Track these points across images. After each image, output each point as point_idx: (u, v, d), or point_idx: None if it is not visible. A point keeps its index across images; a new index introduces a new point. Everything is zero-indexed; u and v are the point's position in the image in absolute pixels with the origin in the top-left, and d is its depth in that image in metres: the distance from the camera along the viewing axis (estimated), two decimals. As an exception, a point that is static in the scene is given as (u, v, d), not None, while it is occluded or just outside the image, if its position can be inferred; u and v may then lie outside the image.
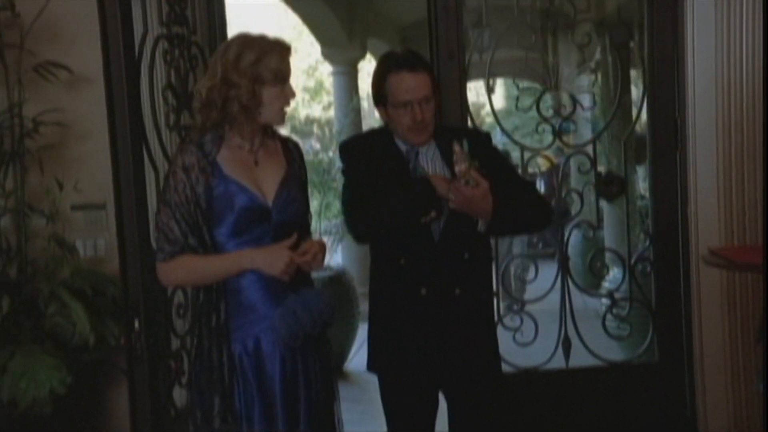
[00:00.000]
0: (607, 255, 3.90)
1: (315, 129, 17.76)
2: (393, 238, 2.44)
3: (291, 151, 2.33)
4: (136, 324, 2.69)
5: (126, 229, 2.77)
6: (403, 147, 2.46)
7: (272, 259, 2.07)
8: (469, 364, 2.46)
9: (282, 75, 2.16)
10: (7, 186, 3.18)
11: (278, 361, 2.16)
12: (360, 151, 2.55)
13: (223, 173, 2.14)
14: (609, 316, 3.16)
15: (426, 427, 2.56)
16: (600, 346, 3.22)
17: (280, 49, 2.18)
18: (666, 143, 3.04)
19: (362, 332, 6.16)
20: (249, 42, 2.18)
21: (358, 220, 2.43)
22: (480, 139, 2.53)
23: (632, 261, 3.17)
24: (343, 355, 5.84)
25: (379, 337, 2.55)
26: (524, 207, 2.42)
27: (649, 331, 3.19)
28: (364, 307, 6.40)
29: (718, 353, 2.99)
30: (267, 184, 2.19)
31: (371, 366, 2.57)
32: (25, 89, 3.19)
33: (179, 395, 2.85)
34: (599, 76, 3.73)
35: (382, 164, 2.45)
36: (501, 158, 2.58)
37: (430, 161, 2.44)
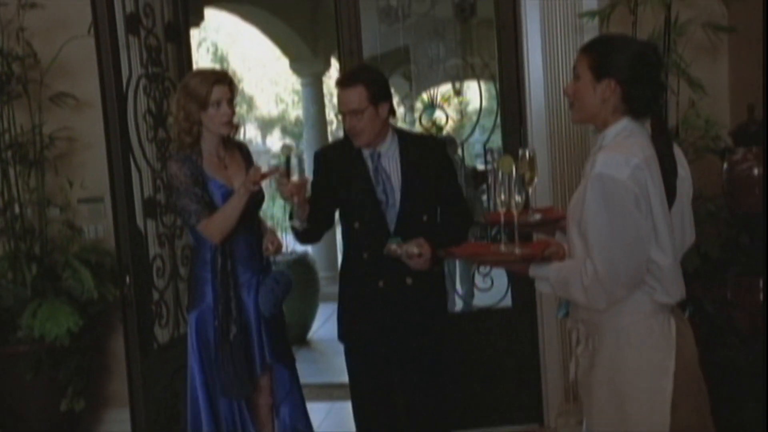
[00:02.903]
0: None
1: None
2: (357, 235, 2.74)
3: (245, 153, 3.03)
4: (128, 280, 3.51)
5: (119, 214, 3.52)
6: (366, 152, 2.74)
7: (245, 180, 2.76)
8: (419, 342, 2.78)
9: (213, 101, 2.77)
10: (31, 185, 4.00)
11: (253, 308, 2.91)
12: (326, 160, 2.84)
13: (208, 176, 2.85)
14: (477, 274, 4.14)
15: (384, 395, 2.86)
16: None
17: (213, 81, 2.78)
18: (513, 147, 3.80)
19: (322, 309, 7.08)
20: (185, 83, 2.86)
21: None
22: (436, 146, 2.88)
23: (493, 233, 4.19)
24: (306, 327, 6.82)
25: (346, 316, 2.89)
26: (456, 232, 2.75)
27: (505, 285, 4.09)
28: (324, 288, 7.34)
29: (552, 300, 3.72)
30: (236, 180, 2.88)
31: (341, 337, 2.92)
32: (44, 113, 4.00)
33: (159, 333, 3.74)
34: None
35: (345, 169, 2.74)
36: (448, 164, 2.86)
37: (390, 162, 2.72)
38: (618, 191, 1.90)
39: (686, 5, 3.29)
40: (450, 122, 4.04)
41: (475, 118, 4.30)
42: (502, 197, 2.12)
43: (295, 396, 3.08)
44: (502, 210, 2.14)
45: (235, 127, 2.94)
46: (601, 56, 2.04)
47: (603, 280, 1.91)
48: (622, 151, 1.96)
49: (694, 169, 3.29)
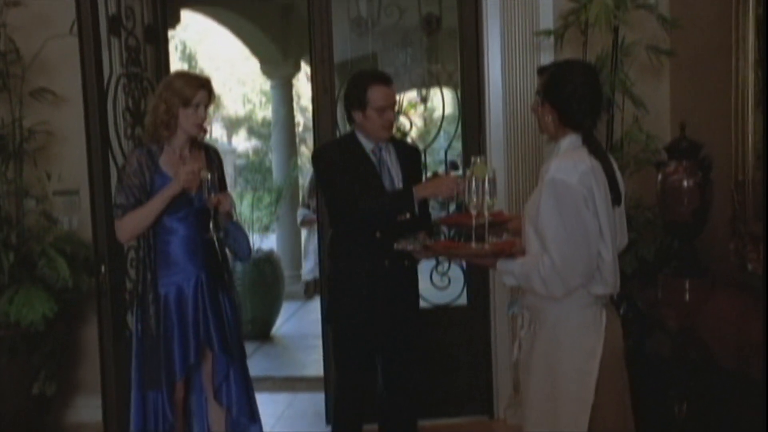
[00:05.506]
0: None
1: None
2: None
3: (211, 156, 3.21)
4: (103, 269, 3.62)
5: (96, 206, 3.64)
6: (367, 146, 3.04)
7: (178, 179, 2.96)
8: (406, 317, 3.13)
9: (194, 102, 2.98)
10: (9, 176, 4.11)
11: (191, 300, 3.07)
12: (331, 156, 3.09)
13: (162, 171, 3.02)
14: (434, 273, 4.33)
15: (369, 368, 3.17)
16: (428, 293, 4.42)
17: (198, 86, 3.00)
18: (473, 153, 4.09)
19: (286, 307, 7.31)
20: (170, 81, 3.06)
21: (361, 212, 2.95)
22: (416, 150, 3.32)
23: (452, 233, 4.43)
24: (270, 323, 6.97)
25: (344, 296, 3.10)
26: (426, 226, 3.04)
27: (461, 284, 4.35)
28: (288, 287, 7.54)
29: (503, 299, 4.11)
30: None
31: (330, 319, 3.20)
32: (24, 107, 4.12)
33: (131, 320, 3.93)
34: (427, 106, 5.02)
35: (352, 165, 3.00)
36: (420, 168, 3.33)
37: (390, 157, 3.06)
38: (569, 193, 2.16)
39: (633, 28, 3.57)
40: (414, 129, 4.25)
41: (439, 125, 4.51)
42: (474, 200, 2.34)
43: (239, 386, 3.22)
44: (473, 212, 2.36)
45: (204, 131, 3.14)
46: (543, 82, 2.35)
47: (560, 271, 2.17)
48: (572, 158, 2.24)
49: (635, 180, 3.63)
